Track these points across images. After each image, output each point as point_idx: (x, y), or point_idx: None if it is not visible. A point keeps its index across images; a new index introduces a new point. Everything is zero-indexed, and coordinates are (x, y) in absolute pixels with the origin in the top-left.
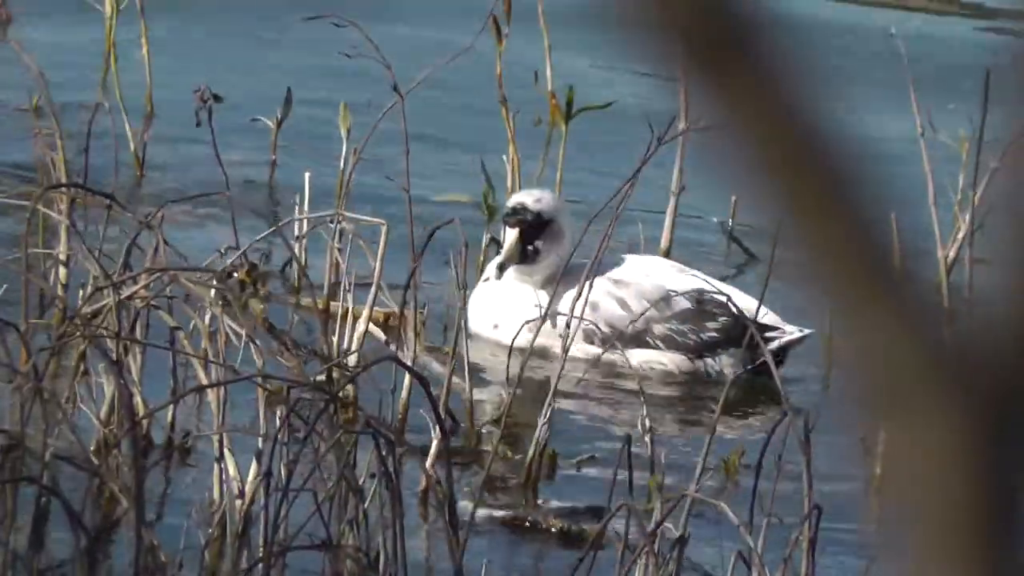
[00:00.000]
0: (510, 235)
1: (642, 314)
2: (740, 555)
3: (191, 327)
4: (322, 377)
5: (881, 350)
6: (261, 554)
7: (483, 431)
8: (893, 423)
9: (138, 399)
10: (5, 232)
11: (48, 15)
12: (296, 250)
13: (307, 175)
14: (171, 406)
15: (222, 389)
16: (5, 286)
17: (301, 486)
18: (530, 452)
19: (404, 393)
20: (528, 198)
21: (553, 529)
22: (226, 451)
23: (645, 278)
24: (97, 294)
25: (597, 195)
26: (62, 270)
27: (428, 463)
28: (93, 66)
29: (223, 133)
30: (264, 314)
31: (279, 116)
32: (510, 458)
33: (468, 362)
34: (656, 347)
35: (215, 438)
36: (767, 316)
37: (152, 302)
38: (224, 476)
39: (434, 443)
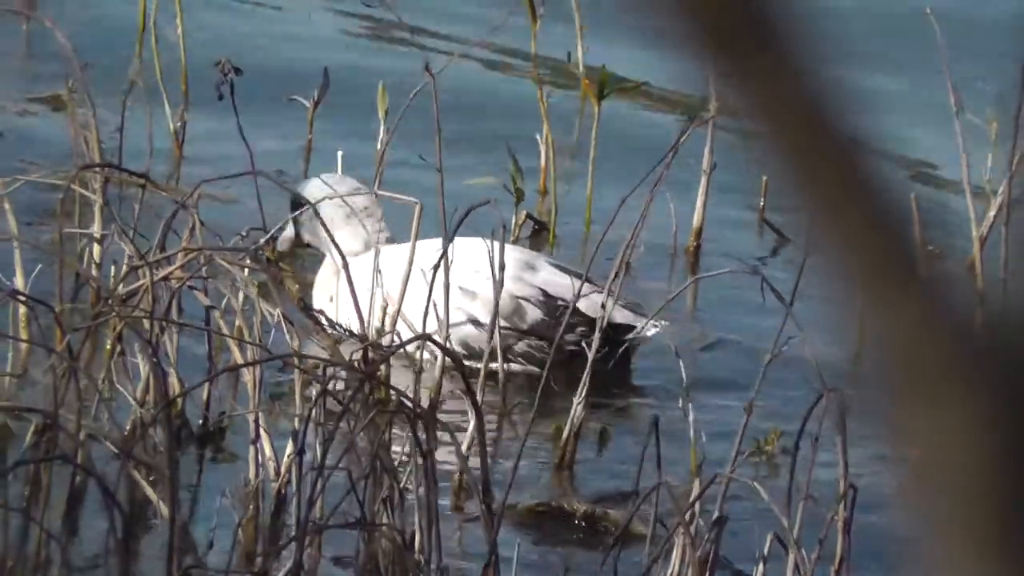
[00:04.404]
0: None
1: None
2: (776, 536)
3: (223, 304)
4: (357, 357)
5: (905, 339)
6: (295, 534)
7: (517, 412)
8: (917, 412)
9: (173, 379)
10: (41, 212)
11: None
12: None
13: (340, 154)
14: (206, 386)
15: (257, 369)
16: (40, 266)
17: (335, 466)
18: (564, 433)
19: (437, 373)
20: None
21: (585, 512)
22: (261, 431)
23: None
24: (132, 274)
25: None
26: (96, 249)
27: (463, 445)
28: (128, 44)
29: (256, 111)
30: (299, 294)
31: (316, 95)
32: (544, 440)
33: (500, 343)
34: (517, 362)
35: (250, 418)
36: (620, 314)
37: (188, 282)
38: (259, 456)
39: (470, 424)
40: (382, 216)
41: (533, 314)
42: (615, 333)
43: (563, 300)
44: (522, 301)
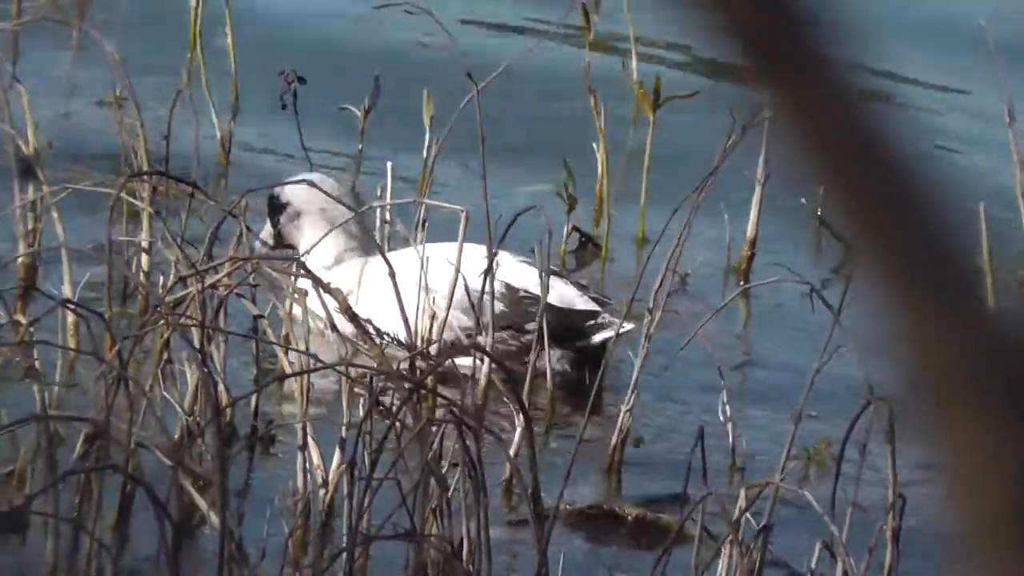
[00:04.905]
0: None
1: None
2: (824, 545)
3: (268, 311)
4: (405, 365)
5: (939, 354)
6: (345, 543)
7: (566, 419)
8: (949, 426)
9: (222, 387)
10: (90, 221)
11: None
12: (377, 238)
13: (389, 164)
14: (254, 395)
15: (305, 378)
16: (89, 274)
17: (385, 475)
18: (613, 439)
19: (484, 380)
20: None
21: (632, 518)
22: (309, 440)
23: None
24: (180, 282)
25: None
26: (145, 258)
27: (511, 451)
28: (176, 54)
29: (306, 120)
30: (346, 302)
31: (367, 104)
32: (594, 445)
33: (549, 350)
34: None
35: (298, 427)
36: (586, 303)
37: (236, 290)
38: (307, 465)
39: (517, 431)
40: (356, 233)
41: (495, 307)
42: (574, 319)
43: (526, 291)
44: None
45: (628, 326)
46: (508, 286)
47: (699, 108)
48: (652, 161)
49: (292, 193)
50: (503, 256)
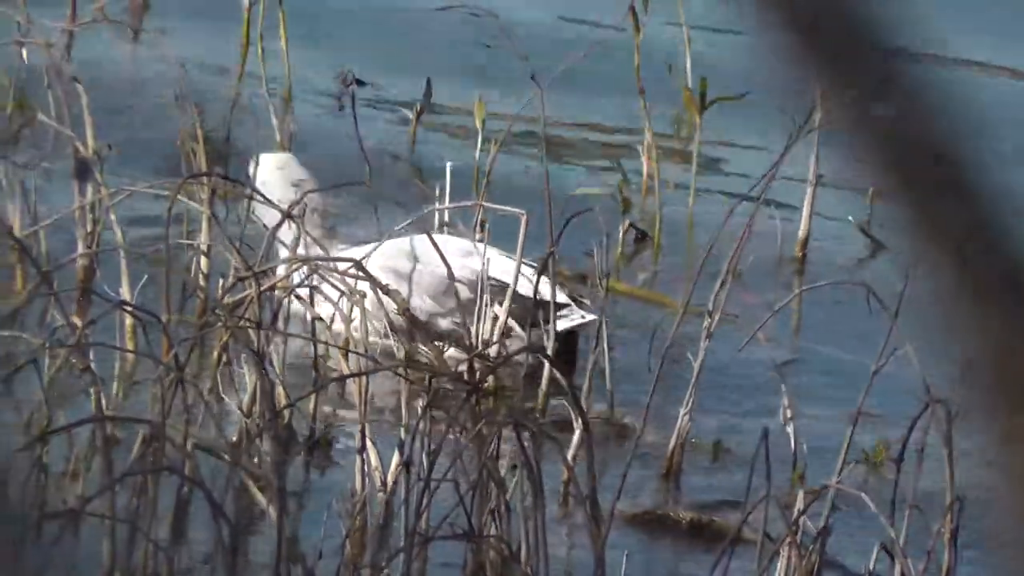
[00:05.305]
0: None
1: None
2: (883, 547)
3: (331, 317)
4: (463, 367)
5: (999, 354)
6: (403, 544)
7: (625, 422)
8: (1009, 427)
9: (280, 390)
10: (147, 223)
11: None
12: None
13: (448, 165)
14: (313, 397)
15: (364, 379)
16: (147, 276)
17: (443, 477)
18: (671, 443)
19: (544, 384)
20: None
21: (688, 522)
22: (368, 442)
23: (424, 267)
24: (238, 284)
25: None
26: (203, 260)
27: (569, 455)
28: (233, 54)
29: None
30: (405, 304)
31: (419, 107)
32: (651, 449)
33: (608, 352)
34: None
35: (357, 428)
36: (556, 295)
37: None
38: (366, 467)
39: (575, 434)
40: (328, 222)
41: (464, 294)
42: (543, 312)
43: (496, 280)
44: (453, 283)
45: (590, 317)
46: (478, 274)
47: (750, 108)
48: (700, 163)
49: (260, 171)
50: (485, 249)
